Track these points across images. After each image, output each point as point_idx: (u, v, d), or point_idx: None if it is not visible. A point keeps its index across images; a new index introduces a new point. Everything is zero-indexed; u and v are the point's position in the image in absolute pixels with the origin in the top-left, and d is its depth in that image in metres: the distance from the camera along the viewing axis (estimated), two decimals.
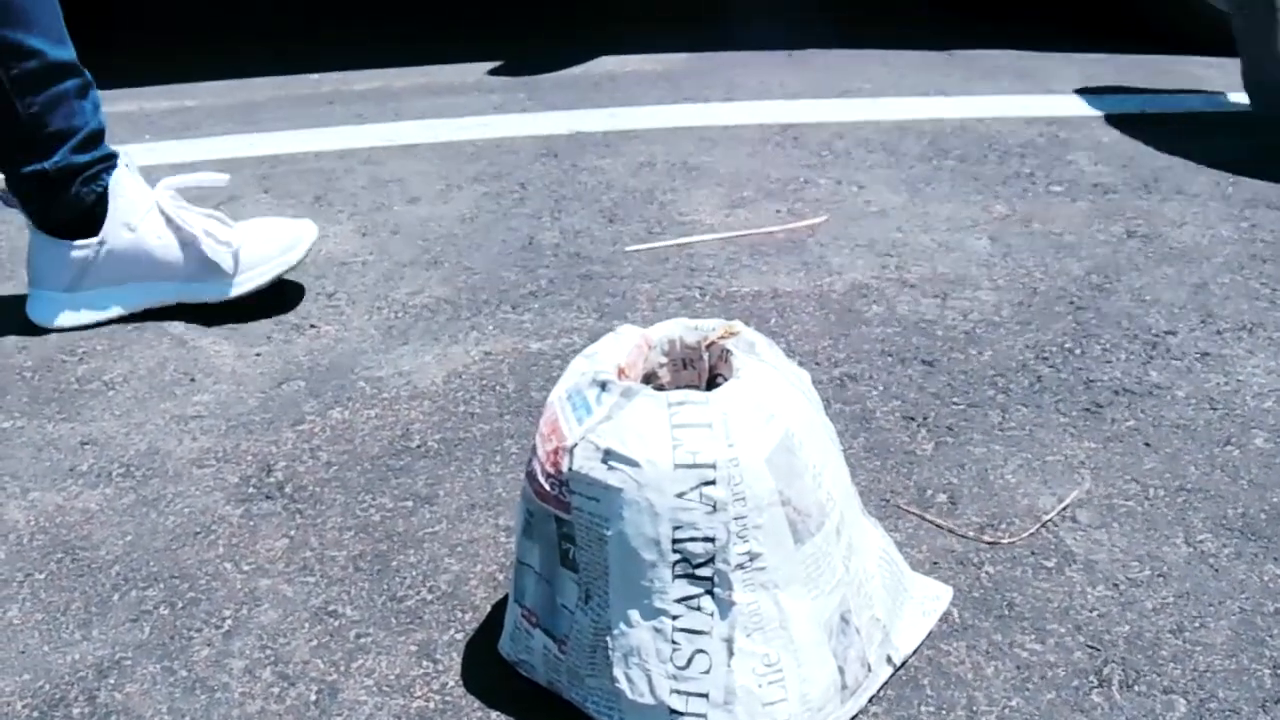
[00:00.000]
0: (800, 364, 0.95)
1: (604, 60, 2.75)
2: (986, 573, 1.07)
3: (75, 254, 1.52)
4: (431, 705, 0.94)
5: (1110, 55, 2.66)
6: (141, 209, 1.53)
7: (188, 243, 1.54)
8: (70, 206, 1.52)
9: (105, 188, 1.52)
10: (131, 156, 1.55)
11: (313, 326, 1.55)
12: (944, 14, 3.09)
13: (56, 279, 1.54)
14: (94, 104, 1.52)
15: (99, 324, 1.56)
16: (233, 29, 3.20)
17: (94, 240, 1.52)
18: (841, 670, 0.88)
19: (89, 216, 1.52)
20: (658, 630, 0.84)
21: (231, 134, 2.31)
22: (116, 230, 1.52)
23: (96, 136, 1.53)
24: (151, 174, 1.98)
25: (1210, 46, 2.64)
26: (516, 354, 1.46)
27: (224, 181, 1.59)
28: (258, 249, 1.56)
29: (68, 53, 1.47)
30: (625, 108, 2.39)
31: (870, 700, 0.92)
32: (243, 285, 1.56)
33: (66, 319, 1.55)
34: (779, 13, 3.22)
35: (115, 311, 1.56)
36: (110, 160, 1.54)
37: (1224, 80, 2.45)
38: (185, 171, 2.07)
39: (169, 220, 1.53)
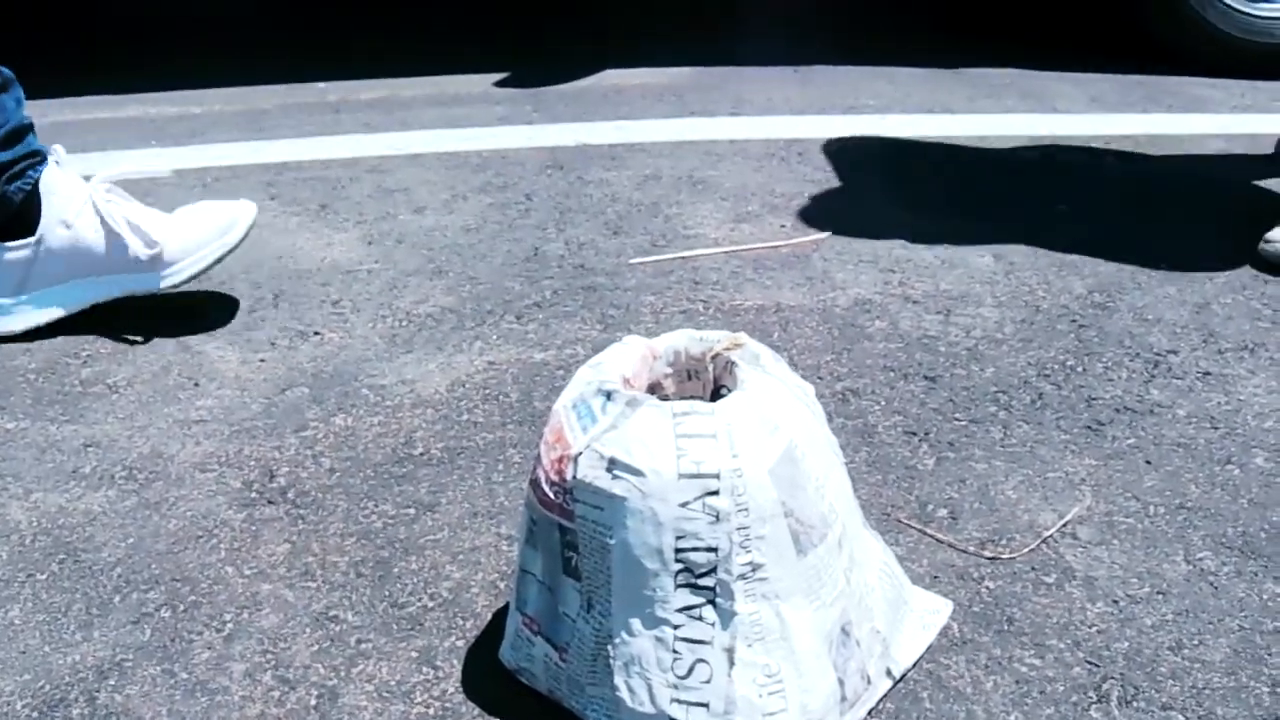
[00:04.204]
0: (803, 378, 0.95)
1: (610, 73, 2.76)
2: (986, 588, 1.07)
3: (13, 255, 1.51)
4: (431, 712, 0.95)
5: (1115, 76, 2.67)
6: (76, 204, 1.50)
7: (116, 236, 1.51)
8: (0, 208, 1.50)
9: (34, 185, 1.49)
10: (61, 152, 1.53)
11: (317, 333, 1.55)
12: (950, 32, 3.10)
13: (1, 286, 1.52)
14: (15, 99, 1.50)
15: (40, 326, 1.54)
16: (241, 36, 3.21)
17: (31, 240, 1.50)
18: (841, 682, 0.88)
19: (21, 216, 1.50)
20: (659, 639, 0.84)
21: (238, 141, 2.32)
22: (52, 228, 1.50)
23: (19, 132, 1.51)
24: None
25: (1214, 68, 2.65)
26: (520, 364, 1.46)
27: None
28: (192, 235, 1.54)
29: None
30: (631, 121, 2.40)
31: (869, 713, 0.92)
32: (179, 274, 1.54)
33: (9, 325, 1.53)
34: (786, 28, 3.23)
35: (56, 313, 1.54)
36: (37, 157, 1.52)
37: (1227, 101, 2.46)
38: (192, 179, 2.09)
39: (99, 214, 1.51)
